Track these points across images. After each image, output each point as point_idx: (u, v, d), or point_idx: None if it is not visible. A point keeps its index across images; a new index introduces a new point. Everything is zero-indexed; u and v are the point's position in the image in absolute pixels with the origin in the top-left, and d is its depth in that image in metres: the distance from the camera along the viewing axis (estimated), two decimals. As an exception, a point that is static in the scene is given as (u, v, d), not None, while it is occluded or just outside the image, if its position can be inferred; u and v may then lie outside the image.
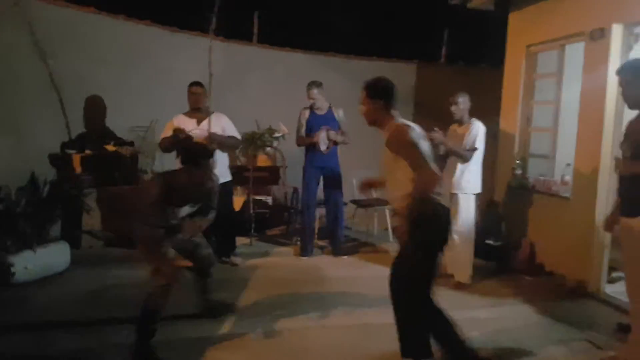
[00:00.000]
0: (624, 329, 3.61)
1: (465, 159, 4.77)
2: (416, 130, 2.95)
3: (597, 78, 4.59)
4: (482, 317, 4.14)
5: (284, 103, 7.63)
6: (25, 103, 5.41)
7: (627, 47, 4.53)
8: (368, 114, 3.09)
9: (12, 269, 4.38)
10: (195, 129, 4.88)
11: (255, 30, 8.32)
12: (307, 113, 5.69)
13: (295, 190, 6.77)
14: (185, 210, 3.61)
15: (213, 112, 5.09)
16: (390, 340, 3.54)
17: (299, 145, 5.81)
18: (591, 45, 4.72)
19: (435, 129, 4.80)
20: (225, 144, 5.04)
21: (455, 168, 4.87)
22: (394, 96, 3.04)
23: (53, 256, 4.76)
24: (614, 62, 4.48)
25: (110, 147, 5.44)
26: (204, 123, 4.95)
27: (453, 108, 4.88)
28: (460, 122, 4.93)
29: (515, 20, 5.84)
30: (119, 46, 6.31)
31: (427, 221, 2.83)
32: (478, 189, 4.91)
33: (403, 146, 2.87)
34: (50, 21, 5.60)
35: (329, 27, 9.50)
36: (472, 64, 8.98)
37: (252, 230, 6.09)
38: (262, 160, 7.19)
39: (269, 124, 6.38)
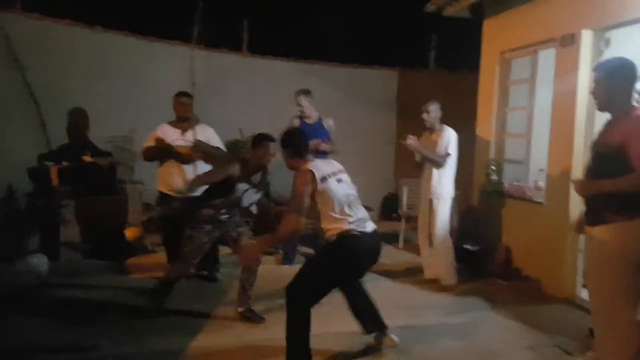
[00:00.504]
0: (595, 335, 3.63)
1: (439, 164, 4.99)
2: (320, 173, 3.29)
3: (568, 84, 4.64)
4: (456, 323, 4.18)
5: (268, 111, 7.67)
6: (1, 115, 5.42)
7: (597, 52, 4.56)
8: (284, 161, 3.54)
9: (-10, 283, 4.36)
10: (179, 139, 4.83)
11: (245, 38, 8.35)
12: (296, 122, 5.67)
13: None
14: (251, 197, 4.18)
15: (199, 123, 5.00)
16: (359, 347, 3.58)
17: None
18: (562, 51, 4.77)
19: (410, 136, 5.02)
20: (210, 153, 4.90)
21: (431, 175, 5.01)
22: (300, 143, 3.49)
23: (32, 268, 4.74)
24: (585, 68, 4.54)
25: (87, 158, 5.42)
26: (189, 134, 4.87)
27: (424, 116, 5.11)
28: (432, 130, 5.12)
29: (489, 27, 5.90)
30: (96, 57, 6.33)
31: (334, 251, 3.28)
32: (452, 193, 5.09)
33: (295, 188, 3.28)
34: (26, 34, 5.61)
35: (313, 35, 9.56)
36: (455, 69, 9.02)
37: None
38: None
39: (252, 132, 6.38)
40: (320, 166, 3.37)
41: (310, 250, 6.06)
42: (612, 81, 2.82)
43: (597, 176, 2.81)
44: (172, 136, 4.82)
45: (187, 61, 7.10)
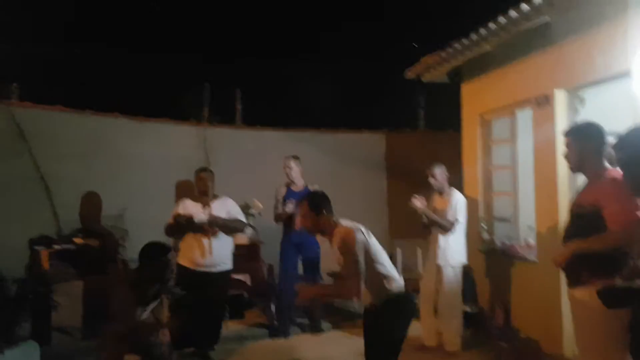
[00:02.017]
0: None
1: (446, 230, 4.89)
2: (362, 233, 3.21)
3: (547, 143, 4.72)
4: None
5: (257, 180, 7.71)
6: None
7: (573, 110, 4.67)
8: (312, 226, 3.31)
9: (-20, 374, 4.27)
10: (200, 212, 4.94)
11: (239, 108, 8.52)
12: (283, 190, 5.74)
13: (271, 267, 6.72)
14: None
15: (219, 197, 5.13)
16: None
17: (276, 221, 5.82)
18: (537, 111, 4.88)
19: (415, 195, 4.94)
20: (229, 226, 5.03)
21: (438, 239, 4.96)
22: (328, 201, 3.31)
23: (23, 357, 4.65)
24: (561, 127, 4.59)
25: (78, 240, 5.47)
26: (209, 207, 4.99)
27: (431, 181, 5.01)
28: (440, 192, 5.05)
29: (468, 90, 6.07)
30: (86, 140, 6.46)
31: (381, 313, 3.22)
32: (464, 260, 5.03)
33: (347, 252, 3.11)
34: (22, 123, 5.79)
35: (301, 102, 9.81)
36: (443, 128, 9.14)
37: (228, 314, 5.97)
38: (239, 238, 7.18)
39: (243, 202, 6.42)
40: (359, 227, 3.25)
41: (306, 321, 5.96)
42: (581, 145, 2.93)
43: (574, 237, 2.84)
44: (193, 210, 4.93)
45: (178, 139, 7.24)
